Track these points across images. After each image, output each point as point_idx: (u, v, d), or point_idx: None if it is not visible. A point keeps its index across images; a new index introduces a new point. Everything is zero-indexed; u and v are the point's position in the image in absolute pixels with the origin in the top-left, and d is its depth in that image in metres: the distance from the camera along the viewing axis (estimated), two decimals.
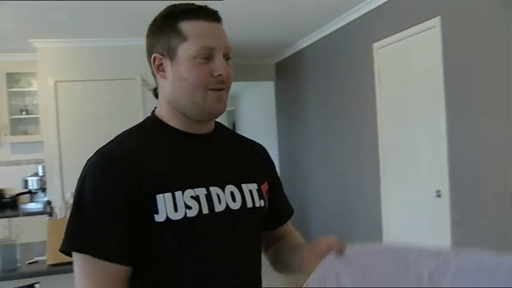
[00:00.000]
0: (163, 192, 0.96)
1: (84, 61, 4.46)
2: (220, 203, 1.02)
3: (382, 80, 3.61)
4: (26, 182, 4.76)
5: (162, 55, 1.04)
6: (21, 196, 4.85)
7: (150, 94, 3.97)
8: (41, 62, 4.43)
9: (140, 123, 1.12)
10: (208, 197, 1.01)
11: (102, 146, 1.04)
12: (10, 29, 3.93)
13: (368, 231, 3.98)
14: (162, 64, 1.04)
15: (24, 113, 4.84)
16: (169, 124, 1.07)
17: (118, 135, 1.07)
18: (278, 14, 3.98)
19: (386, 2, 3.47)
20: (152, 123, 1.10)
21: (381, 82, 3.62)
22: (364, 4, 3.71)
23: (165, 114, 1.08)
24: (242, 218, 1.06)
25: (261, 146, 1.28)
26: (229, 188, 1.06)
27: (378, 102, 3.66)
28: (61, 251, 0.96)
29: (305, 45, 5.11)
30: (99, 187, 0.96)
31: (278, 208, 1.24)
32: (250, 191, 1.09)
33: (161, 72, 1.05)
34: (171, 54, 1.02)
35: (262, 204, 1.12)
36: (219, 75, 1.01)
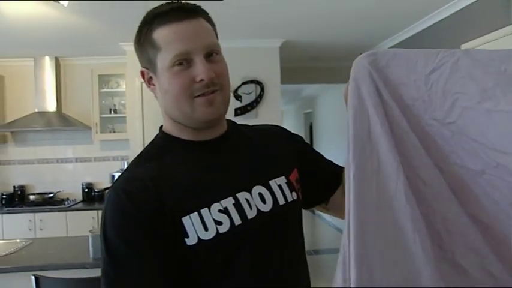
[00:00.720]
0: (188, 213, 0.90)
1: None
2: (251, 208, 0.95)
3: None
4: (112, 177, 5.05)
5: (148, 68, 0.99)
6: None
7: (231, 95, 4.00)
8: (130, 64, 4.67)
9: (150, 143, 1.06)
10: (237, 205, 0.94)
11: (116, 178, 0.98)
12: (103, 33, 4.19)
13: None
14: (151, 78, 0.99)
15: (112, 112, 5.12)
16: (179, 137, 1.01)
17: (130, 164, 1.01)
18: (359, 15, 3.90)
19: (473, 2, 3.28)
20: (162, 141, 1.04)
21: None
22: (452, 3, 3.54)
23: (171, 128, 1.02)
24: (276, 218, 0.99)
25: (277, 126, 1.20)
26: (257, 189, 0.99)
27: None
28: None
29: (387, 47, 4.96)
30: (123, 231, 0.89)
31: (328, 173, 1.16)
32: (280, 186, 1.02)
33: (152, 86, 1.00)
34: (152, 67, 0.96)
35: (295, 197, 1.04)
36: (201, 80, 0.93)
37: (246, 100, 4.71)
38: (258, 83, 4.74)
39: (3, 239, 3.93)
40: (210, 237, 0.89)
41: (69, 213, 4.65)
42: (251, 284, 0.94)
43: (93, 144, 5.21)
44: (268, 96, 4.79)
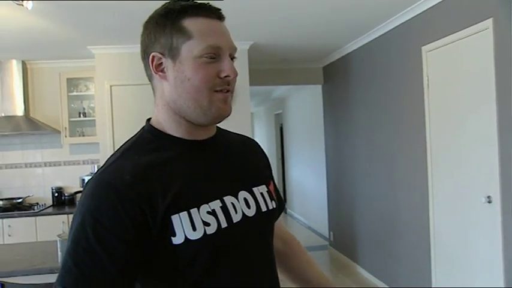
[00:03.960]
0: (178, 212, 0.89)
1: (138, 66, 4.62)
2: (236, 212, 0.97)
3: (431, 83, 3.55)
4: (83, 180, 5.01)
5: (162, 54, 0.96)
6: (79, 194, 5.10)
7: None
8: (98, 67, 4.65)
9: (137, 136, 1.02)
10: (224, 208, 0.95)
11: (99, 168, 0.95)
12: (71, 36, 4.16)
13: (415, 237, 3.91)
14: (161, 64, 0.96)
15: (81, 115, 5.09)
16: (170, 133, 0.99)
17: (114, 154, 0.98)
18: (325, 18, 4.00)
19: (435, 4, 3.41)
20: (150, 135, 1.00)
21: (430, 86, 3.56)
22: (412, 7, 3.67)
23: (164, 122, 1.00)
24: (259, 224, 1.03)
25: (253, 140, 1.24)
26: (242, 194, 1.01)
27: (426, 107, 3.61)
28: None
29: (353, 48, 5.09)
30: (101, 221, 0.85)
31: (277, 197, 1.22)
32: (262, 194, 1.06)
33: (160, 73, 0.97)
34: (173, 53, 0.94)
35: (274, 206, 1.10)
36: (226, 77, 0.96)
37: None
38: None
39: None
40: (198, 237, 0.89)
41: (38, 218, 4.59)
42: (235, 284, 0.96)
43: (62, 148, 5.16)
44: (238, 98, 4.83)
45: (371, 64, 4.72)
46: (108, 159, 0.97)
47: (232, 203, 0.98)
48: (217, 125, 1.08)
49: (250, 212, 1.01)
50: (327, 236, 6.54)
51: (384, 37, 4.35)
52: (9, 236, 4.48)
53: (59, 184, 5.14)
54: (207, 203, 0.93)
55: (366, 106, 4.91)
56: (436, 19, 3.45)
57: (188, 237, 0.89)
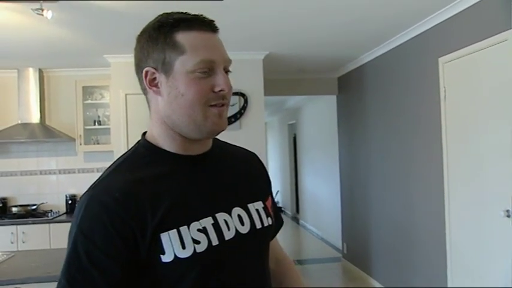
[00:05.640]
0: (167, 230, 0.88)
1: None
2: (229, 229, 0.96)
3: (448, 95, 3.51)
4: None
5: (155, 69, 0.95)
6: None
7: None
8: (114, 76, 4.69)
9: (132, 150, 1.02)
10: (216, 225, 0.94)
11: (93, 183, 0.94)
12: (88, 45, 4.21)
13: (431, 250, 3.85)
14: (155, 79, 0.95)
15: (96, 123, 5.12)
16: (164, 148, 0.98)
17: (108, 168, 0.98)
18: (341, 28, 3.98)
19: (453, 15, 3.38)
20: (146, 150, 1.00)
21: (447, 98, 3.52)
22: (429, 18, 3.64)
23: (159, 136, 0.99)
24: (253, 241, 1.01)
25: (254, 154, 1.21)
26: (236, 210, 0.99)
27: (443, 118, 3.56)
28: None
29: (368, 59, 5.07)
30: (92, 240, 0.86)
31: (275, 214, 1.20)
32: (257, 210, 1.04)
33: (154, 88, 0.96)
34: (166, 68, 0.93)
35: (270, 222, 1.07)
36: (220, 91, 0.94)
37: (230, 111, 4.71)
38: (242, 94, 4.79)
39: None
40: (187, 255, 0.88)
41: (52, 225, 4.61)
42: None
43: (77, 155, 5.19)
44: (252, 107, 4.84)
45: (387, 75, 4.68)
46: (103, 173, 0.97)
47: (225, 220, 0.96)
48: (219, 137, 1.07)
49: (244, 229, 0.99)
50: (340, 248, 6.47)
51: (400, 48, 4.32)
52: (23, 242, 4.51)
53: (73, 191, 5.16)
54: (197, 220, 0.92)
55: (381, 117, 4.87)
56: (454, 30, 3.41)
57: (177, 255, 0.88)
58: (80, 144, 5.03)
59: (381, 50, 4.68)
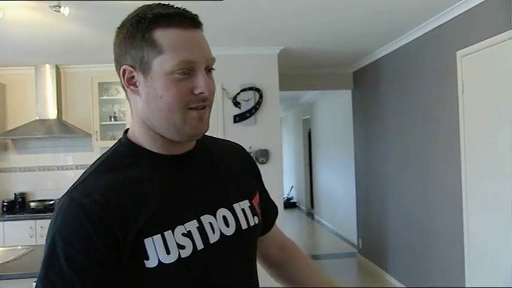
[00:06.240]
0: (151, 234, 0.85)
1: None
2: (214, 232, 0.93)
3: (466, 89, 3.46)
4: None
5: (134, 67, 0.89)
6: None
7: (230, 102, 4.18)
8: None
9: (113, 149, 0.98)
10: (201, 229, 0.91)
11: (73, 185, 0.91)
12: (102, 41, 4.23)
13: (449, 249, 3.81)
14: (133, 77, 0.90)
15: (112, 119, 5.16)
16: (146, 147, 0.94)
17: (89, 168, 0.95)
18: (356, 22, 3.95)
19: (471, 8, 3.32)
20: (128, 150, 0.96)
21: (465, 92, 3.47)
22: (447, 11, 3.59)
23: (140, 136, 0.95)
24: (238, 242, 0.98)
25: (240, 146, 1.17)
26: (221, 212, 0.96)
27: (461, 112, 3.51)
28: None
29: (384, 53, 5.02)
30: (72, 244, 0.82)
31: (268, 208, 1.17)
32: (243, 210, 1.00)
33: (132, 87, 0.91)
34: (144, 67, 0.88)
35: (257, 221, 1.03)
36: (200, 93, 0.88)
37: (245, 107, 4.74)
38: (257, 89, 4.78)
39: (4, 246, 3.95)
40: (172, 261, 0.85)
41: None
42: None
43: (93, 151, 5.23)
44: (267, 102, 4.83)
45: (403, 69, 4.63)
46: (83, 173, 0.94)
47: (210, 223, 0.93)
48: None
49: (229, 231, 0.96)
50: (355, 243, 6.44)
51: (416, 42, 4.27)
52: (41, 236, 4.57)
53: None
54: (182, 224, 0.89)
55: (397, 111, 4.82)
56: (472, 23, 3.36)
57: (162, 261, 0.85)
58: (96, 139, 5.08)
59: (397, 43, 4.63)
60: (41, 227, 4.61)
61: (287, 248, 1.25)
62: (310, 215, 10.21)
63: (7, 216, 4.74)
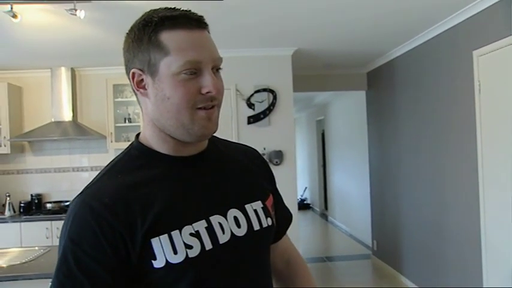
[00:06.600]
0: (158, 234, 0.86)
1: None
2: (224, 232, 0.92)
3: (483, 89, 3.41)
4: None
5: (142, 70, 0.91)
6: None
7: (244, 103, 4.18)
8: None
9: (125, 152, 1.00)
10: (210, 229, 0.90)
11: (85, 187, 0.93)
12: (117, 43, 4.25)
13: (466, 250, 3.76)
14: (142, 80, 0.92)
15: (127, 121, 5.19)
16: (157, 150, 0.95)
17: (101, 171, 0.97)
18: (370, 23, 3.92)
19: (487, 7, 3.28)
20: (139, 152, 0.97)
21: (482, 92, 3.42)
22: (462, 11, 3.55)
23: (151, 138, 0.96)
24: (250, 244, 0.96)
25: (254, 150, 1.16)
26: (232, 212, 0.95)
27: (477, 112, 3.46)
28: None
29: (399, 54, 4.98)
30: (81, 246, 0.84)
31: (282, 215, 1.15)
32: (255, 211, 0.99)
33: (142, 90, 0.93)
34: (151, 70, 0.90)
35: (270, 223, 1.02)
36: (207, 93, 0.89)
37: (259, 108, 4.75)
38: (271, 91, 4.78)
39: (21, 247, 3.99)
40: (179, 261, 0.86)
41: None
42: None
43: (108, 153, 5.27)
44: (281, 104, 4.82)
45: (418, 70, 4.59)
46: (96, 176, 0.96)
47: (220, 223, 0.92)
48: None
49: (241, 232, 0.95)
50: (370, 245, 6.39)
51: (432, 42, 4.23)
52: (57, 237, 4.57)
53: None
54: (190, 224, 0.89)
55: (412, 112, 4.78)
56: (488, 22, 3.32)
57: (169, 261, 0.85)
58: (111, 141, 5.11)
59: (412, 44, 4.59)
60: (57, 228, 4.65)
61: (293, 263, 1.23)
62: (324, 216, 10.17)
63: (24, 217, 4.80)
